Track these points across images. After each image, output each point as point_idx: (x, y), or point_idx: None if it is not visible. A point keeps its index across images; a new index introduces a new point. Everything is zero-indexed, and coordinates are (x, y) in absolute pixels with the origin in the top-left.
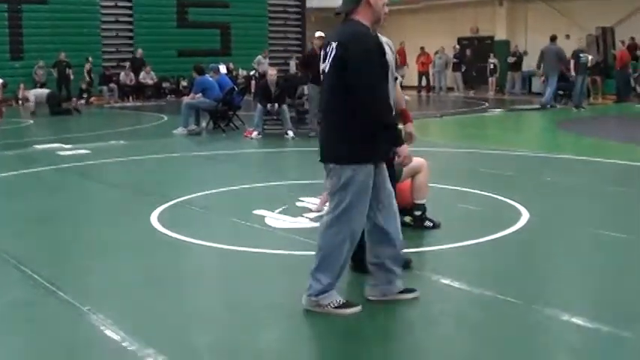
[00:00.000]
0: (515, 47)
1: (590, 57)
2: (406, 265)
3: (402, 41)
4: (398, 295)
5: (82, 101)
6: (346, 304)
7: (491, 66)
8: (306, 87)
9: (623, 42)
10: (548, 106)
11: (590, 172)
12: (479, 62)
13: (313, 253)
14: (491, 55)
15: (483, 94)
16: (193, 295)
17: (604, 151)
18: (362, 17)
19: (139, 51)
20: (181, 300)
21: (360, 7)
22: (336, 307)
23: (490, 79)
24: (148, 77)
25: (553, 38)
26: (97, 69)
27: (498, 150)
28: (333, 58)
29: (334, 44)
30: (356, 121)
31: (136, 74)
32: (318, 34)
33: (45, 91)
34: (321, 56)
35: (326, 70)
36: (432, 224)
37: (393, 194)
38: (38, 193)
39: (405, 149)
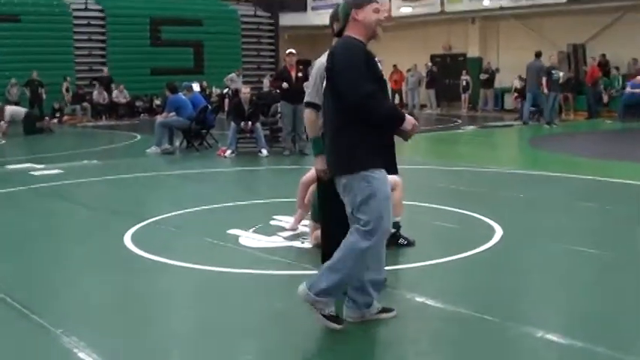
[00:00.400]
0: (488, 64)
1: (561, 74)
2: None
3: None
4: (376, 315)
5: (55, 120)
6: (335, 318)
7: (464, 83)
8: (279, 105)
9: (594, 58)
10: (529, 122)
11: (563, 188)
12: (451, 79)
13: (288, 272)
14: (464, 72)
15: (456, 111)
16: (167, 316)
17: (576, 167)
18: (353, 33)
19: (105, 69)
20: (155, 321)
21: (349, 24)
22: (324, 316)
23: (463, 95)
24: (121, 96)
25: (538, 54)
26: (71, 87)
27: (471, 167)
28: (326, 72)
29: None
30: (357, 130)
31: (106, 90)
32: (289, 51)
33: (23, 109)
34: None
35: (324, 87)
36: (406, 242)
37: None
38: (10, 213)
39: (410, 119)
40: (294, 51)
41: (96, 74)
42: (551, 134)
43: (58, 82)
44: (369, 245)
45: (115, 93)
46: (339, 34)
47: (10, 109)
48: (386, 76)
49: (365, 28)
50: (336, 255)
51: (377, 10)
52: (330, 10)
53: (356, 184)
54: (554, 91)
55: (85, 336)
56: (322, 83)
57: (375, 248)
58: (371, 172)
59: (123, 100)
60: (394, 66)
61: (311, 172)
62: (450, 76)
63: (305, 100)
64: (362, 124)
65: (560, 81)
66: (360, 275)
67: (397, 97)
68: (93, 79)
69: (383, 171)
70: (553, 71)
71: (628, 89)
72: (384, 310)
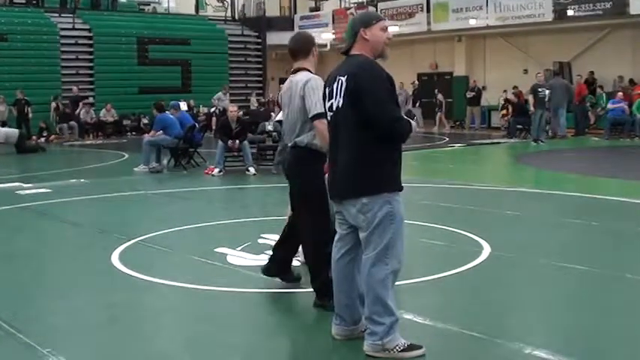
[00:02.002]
0: (474, 82)
1: (548, 91)
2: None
3: None
4: (363, 332)
5: (42, 139)
6: (411, 347)
7: (437, 101)
8: (267, 123)
9: (580, 76)
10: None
11: (550, 204)
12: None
13: (277, 290)
14: (436, 90)
15: (442, 129)
16: (155, 335)
17: (563, 183)
18: (362, 51)
19: (74, 88)
20: (143, 341)
21: (356, 43)
22: (402, 351)
23: (439, 114)
24: (108, 115)
25: (557, 72)
26: (61, 106)
27: (459, 184)
28: (345, 92)
29: (343, 78)
30: (381, 150)
31: (73, 110)
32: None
33: (16, 130)
34: (326, 94)
35: (340, 106)
36: None
37: None
38: None
39: (414, 126)
40: None
41: (84, 93)
42: (538, 151)
43: (45, 101)
44: (389, 270)
45: (102, 112)
46: (347, 52)
47: (3, 130)
48: None
49: (373, 48)
50: (368, 300)
51: (384, 29)
52: (317, 29)
53: (377, 204)
54: (540, 108)
55: (72, 355)
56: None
57: (396, 272)
58: (394, 195)
59: (110, 119)
60: None
61: None
62: (433, 94)
63: (317, 112)
64: (385, 146)
65: (547, 99)
66: (352, 292)
67: None
68: (83, 97)
69: (400, 194)
70: (539, 89)
71: (610, 105)
72: None
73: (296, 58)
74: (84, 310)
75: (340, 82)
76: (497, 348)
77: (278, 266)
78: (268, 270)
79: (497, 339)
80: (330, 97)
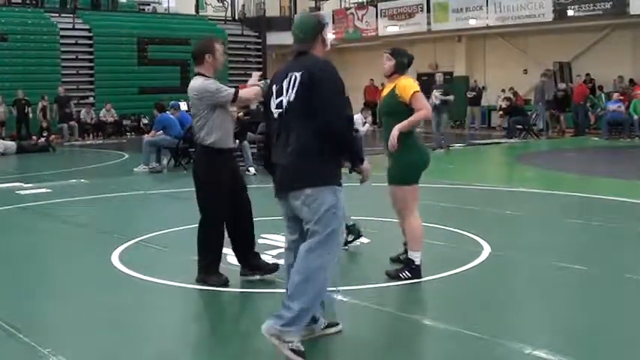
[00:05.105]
0: (474, 82)
1: (449, 96)
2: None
3: (371, 78)
4: (322, 330)
5: (42, 139)
6: (301, 354)
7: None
8: None
9: (579, 76)
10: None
11: (550, 204)
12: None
13: (275, 290)
14: (432, 87)
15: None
16: (155, 335)
17: (563, 183)
18: (318, 53)
19: (61, 89)
20: (143, 341)
21: (316, 44)
22: (291, 350)
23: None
24: (108, 115)
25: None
26: (48, 106)
27: (459, 184)
28: (299, 86)
29: (297, 74)
30: (326, 143)
31: (61, 110)
32: None
33: (13, 143)
34: (274, 91)
35: (290, 100)
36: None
37: None
38: None
39: (366, 166)
40: None
41: (84, 93)
42: (538, 151)
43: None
44: (326, 260)
45: (102, 112)
46: (304, 52)
47: (2, 143)
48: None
49: (325, 52)
50: (294, 281)
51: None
52: None
53: (322, 195)
54: (437, 114)
55: (72, 355)
56: None
57: (334, 259)
58: (339, 187)
59: (110, 119)
60: (382, 84)
61: None
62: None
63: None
64: (330, 142)
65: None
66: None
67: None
68: (84, 97)
69: (341, 187)
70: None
71: (610, 106)
72: (330, 325)
73: None
74: (84, 310)
75: (293, 77)
76: (497, 348)
77: (246, 264)
78: (242, 270)
79: (497, 339)
80: (279, 95)
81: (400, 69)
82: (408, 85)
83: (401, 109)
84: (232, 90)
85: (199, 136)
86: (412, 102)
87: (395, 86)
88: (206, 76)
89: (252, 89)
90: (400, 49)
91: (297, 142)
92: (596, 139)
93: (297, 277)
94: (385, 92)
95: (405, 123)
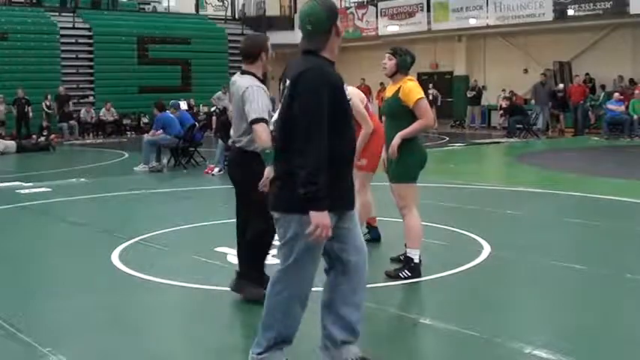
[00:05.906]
0: (475, 82)
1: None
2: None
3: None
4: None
5: (42, 138)
6: None
7: (430, 97)
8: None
9: (578, 76)
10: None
11: (550, 204)
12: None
13: None
14: (430, 85)
15: (443, 129)
16: (155, 334)
17: (563, 183)
18: (330, 53)
19: (61, 88)
20: (143, 340)
21: (329, 40)
22: None
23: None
24: (108, 114)
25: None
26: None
27: (459, 184)
28: (285, 98)
29: (288, 81)
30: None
31: (60, 109)
32: None
33: (13, 143)
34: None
35: (278, 112)
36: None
37: (365, 253)
38: None
39: (323, 220)
40: None
41: (84, 92)
42: (538, 151)
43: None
44: (286, 295)
45: (102, 111)
46: (311, 52)
47: (2, 142)
48: (373, 94)
49: (340, 44)
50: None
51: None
52: None
53: (286, 224)
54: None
55: (72, 355)
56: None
57: (296, 298)
58: (302, 216)
59: (110, 118)
60: (381, 84)
61: None
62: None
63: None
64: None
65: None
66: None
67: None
68: (84, 96)
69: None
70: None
71: (610, 106)
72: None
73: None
74: (84, 309)
75: (287, 84)
76: (497, 347)
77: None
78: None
79: (497, 339)
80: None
81: (402, 68)
82: (413, 90)
83: (404, 112)
84: None
85: (241, 140)
86: (415, 109)
87: (399, 89)
88: (256, 77)
89: None
90: (402, 47)
91: (277, 160)
92: (596, 138)
93: (266, 306)
94: (389, 94)
95: (407, 131)
